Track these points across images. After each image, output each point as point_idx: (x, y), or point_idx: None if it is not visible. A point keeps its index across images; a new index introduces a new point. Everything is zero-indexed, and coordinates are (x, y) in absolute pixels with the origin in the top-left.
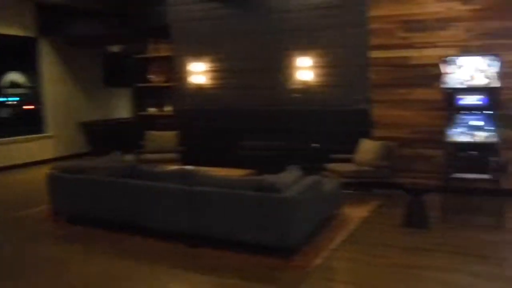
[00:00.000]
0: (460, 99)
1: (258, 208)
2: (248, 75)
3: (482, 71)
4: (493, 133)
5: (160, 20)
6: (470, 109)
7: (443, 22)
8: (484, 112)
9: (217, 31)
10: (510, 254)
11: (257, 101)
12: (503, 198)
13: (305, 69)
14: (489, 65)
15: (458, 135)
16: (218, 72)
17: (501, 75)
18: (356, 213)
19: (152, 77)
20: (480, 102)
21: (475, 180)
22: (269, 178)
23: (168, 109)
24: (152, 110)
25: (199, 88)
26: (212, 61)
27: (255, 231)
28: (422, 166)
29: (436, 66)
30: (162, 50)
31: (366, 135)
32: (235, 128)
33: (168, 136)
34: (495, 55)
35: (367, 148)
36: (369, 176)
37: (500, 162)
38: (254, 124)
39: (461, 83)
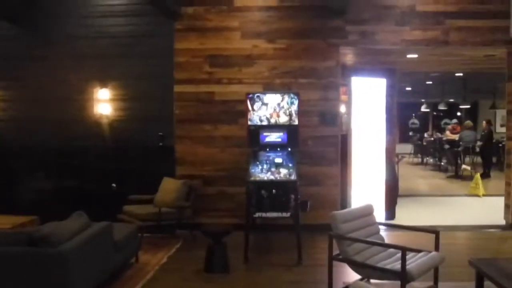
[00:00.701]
0: (264, 136)
1: (29, 266)
2: (38, 106)
3: (283, 108)
4: (292, 171)
5: None
6: (273, 146)
7: (248, 59)
8: (286, 149)
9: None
10: None
11: (47, 136)
12: (302, 234)
13: (105, 102)
14: (289, 103)
15: (260, 173)
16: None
17: (299, 113)
18: (154, 260)
19: None
20: (280, 140)
21: (277, 218)
22: (45, 228)
23: None
24: None
25: None
26: None
27: None
28: (226, 205)
29: (241, 102)
30: None
31: (170, 173)
32: (17, 166)
33: None
34: (295, 93)
35: (169, 188)
36: (170, 218)
37: (299, 200)
38: (42, 162)
39: (264, 120)
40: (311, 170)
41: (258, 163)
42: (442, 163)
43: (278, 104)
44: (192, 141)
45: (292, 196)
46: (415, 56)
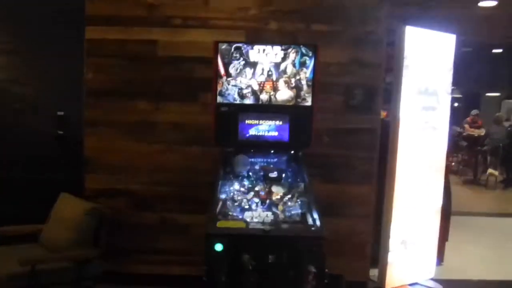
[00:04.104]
0: (246, 126)
1: None
2: None
3: (286, 75)
4: (302, 199)
5: None
6: (262, 145)
7: None
8: (286, 152)
9: None
10: None
11: None
12: None
13: None
14: (297, 65)
15: (237, 200)
16: None
17: (314, 86)
18: None
19: None
20: (276, 133)
21: None
22: None
23: None
24: None
25: None
26: None
27: None
28: (175, 243)
29: (206, 61)
30: None
31: (74, 185)
32: None
33: None
34: (311, 46)
35: (67, 216)
36: (60, 280)
37: (327, 275)
38: None
39: (248, 96)
40: (326, 190)
41: (232, 177)
42: (453, 164)
43: (276, 66)
44: (115, 130)
45: (313, 269)
46: (493, 3)
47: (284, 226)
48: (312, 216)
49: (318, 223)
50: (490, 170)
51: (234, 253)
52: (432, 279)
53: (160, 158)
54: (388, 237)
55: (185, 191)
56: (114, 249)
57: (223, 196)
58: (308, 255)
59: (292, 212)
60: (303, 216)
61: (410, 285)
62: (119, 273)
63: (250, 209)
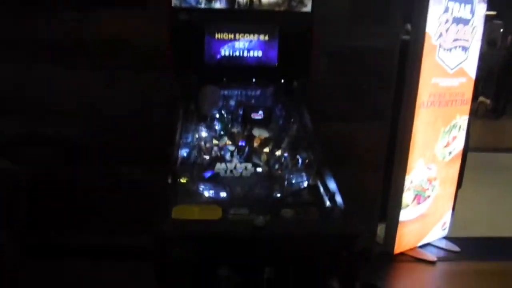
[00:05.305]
0: (217, 43)
1: None
2: None
3: None
4: (306, 156)
5: None
6: (240, 71)
7: None
8: (275, 81)
9: None
10: None
11: None
12: None
13: None
14: None
15: (202, 159)
16: None
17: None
18: None
19: None
20: (260, 54)
21: None
22: None
23: None
24: None
25: None
26: None
27: None
28: (121, 205)
29: None
30: None
31: None
32: None
33: None
34: None
35: None
36: None
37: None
38: None
39: None
40: (323, 131)
41: (197, 119)
42: None
43: None
44: (33, 52)
45: (336, 285)
46: None
47: (287, 212)
48: (328, 190)
49: (340, 204)
50: (481, 98)
51: (205, 264)
52: (445, 237)
53: (98, 92)
54: (401, 191)
55: (135, 136)
56: (40, 217)
57: (184, 151)
58: (331, 264)
59: (293, 182)
60: (311, 189)
61: (421, 247)
62: (47, 245)
63: (222, 159)
